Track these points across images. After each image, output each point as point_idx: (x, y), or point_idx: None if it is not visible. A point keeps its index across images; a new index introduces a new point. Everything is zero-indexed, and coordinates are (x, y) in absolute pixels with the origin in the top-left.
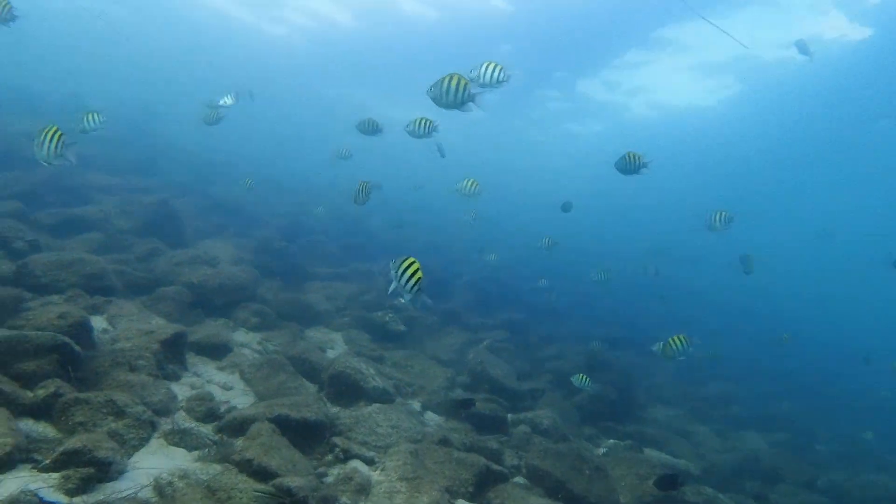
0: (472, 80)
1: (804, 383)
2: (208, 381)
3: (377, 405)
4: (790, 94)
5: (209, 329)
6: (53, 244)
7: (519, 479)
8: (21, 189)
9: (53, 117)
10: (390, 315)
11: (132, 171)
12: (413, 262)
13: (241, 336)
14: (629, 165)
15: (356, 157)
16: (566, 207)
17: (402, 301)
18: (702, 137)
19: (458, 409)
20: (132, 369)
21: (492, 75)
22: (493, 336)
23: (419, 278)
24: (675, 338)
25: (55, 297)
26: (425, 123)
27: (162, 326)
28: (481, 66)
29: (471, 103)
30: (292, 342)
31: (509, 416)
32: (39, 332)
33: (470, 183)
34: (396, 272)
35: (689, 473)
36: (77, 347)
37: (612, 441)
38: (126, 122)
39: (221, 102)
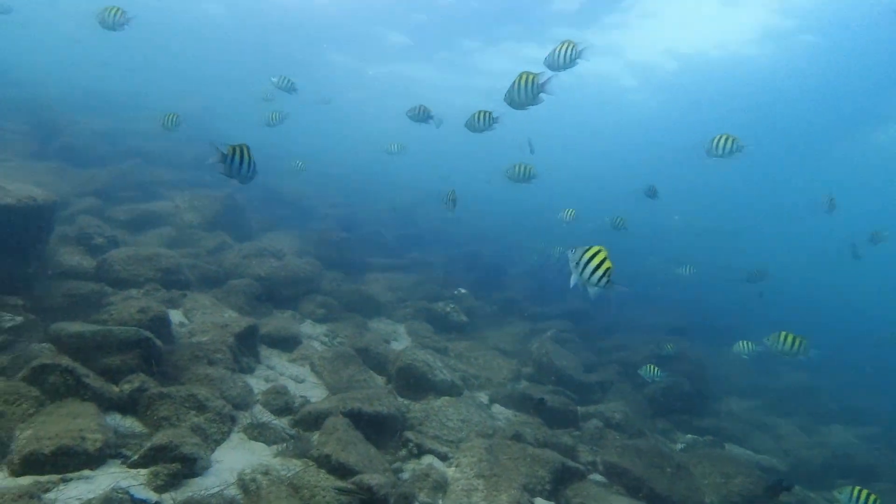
0: (546, 65)
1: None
2: (281, 374)
3: (446, 398)
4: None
5: (278, 321)
6: (129, 240)
7: (596, 477)
8: (96, 186)
9: (122, 115)
10: (452, 306)
11: (197, 167)
12: (598, 252)
13: (308, 328)
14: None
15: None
16: (650, 193)
17: (588, 291)
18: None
19: (529, 404)
20: (210, 363)
21: (566, 56)
22: (556, 326)
23: (608, 269)
24: (790, 336)
25: (134, 292)
26: (485, 116)
27: (235, 319)
28: (555, 49)
29: (542, 94)
30: (358, 334)
31: (579, 409)
32: (123, 328)
33: (521, 167)
34: (577, 263)
35: (775, 471)
36: (158, 342)
37: (689, 436)
38: (189, 120)
39: (274, 81)
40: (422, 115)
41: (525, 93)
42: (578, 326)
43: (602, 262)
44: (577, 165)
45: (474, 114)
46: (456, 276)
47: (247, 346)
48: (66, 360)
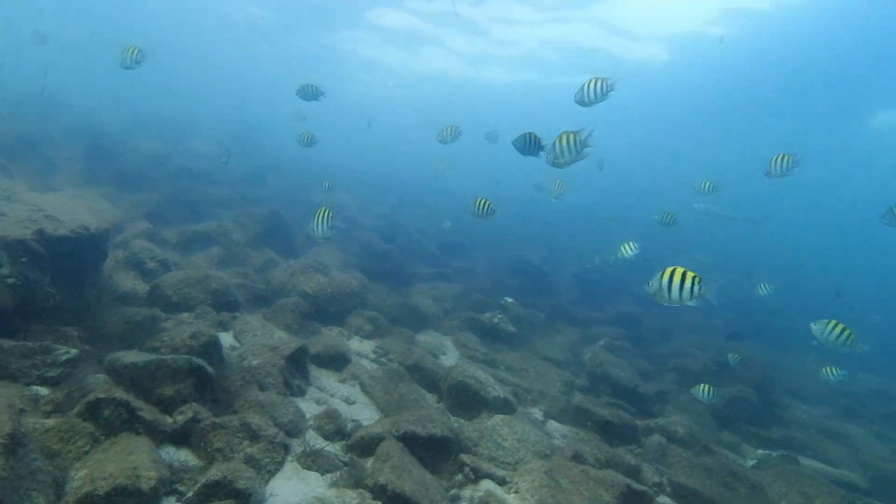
0: (577, 102)
1: None
2: (332, 396)
3: (500, 416)
4: None
5: (327, 340)
6: (180, 261)
7: (664, 500)
8: (148, 209)
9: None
10: (499, 316)
11: (243, 183)
12: (675, 272)
13: (356, 344)
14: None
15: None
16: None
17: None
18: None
19: (585, 418)
20: (261, 388)
21: (597, 91)
22: (607, 332)
23: (695, 277)
24: (839, 326)
25: (186, 315)
26: (532, 139)
27: (285, 341)
28: (584, 86)
29: (586, 149)
30: (407, 351)
31: (638, 422)
32: (176, 357)
33: (557, 184)
34: (662, 289)
35: (854, 486)
36: (210, 369)
37: (760, 451)
38: (232, 137)
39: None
40: (311, 93)
41: (569, 151)
42: (630, 332)
43: (683, 276)
44: (622, 161)
45: (522, 135)
46: (501, 284)
47: (297, 368)
48: (119, 393)
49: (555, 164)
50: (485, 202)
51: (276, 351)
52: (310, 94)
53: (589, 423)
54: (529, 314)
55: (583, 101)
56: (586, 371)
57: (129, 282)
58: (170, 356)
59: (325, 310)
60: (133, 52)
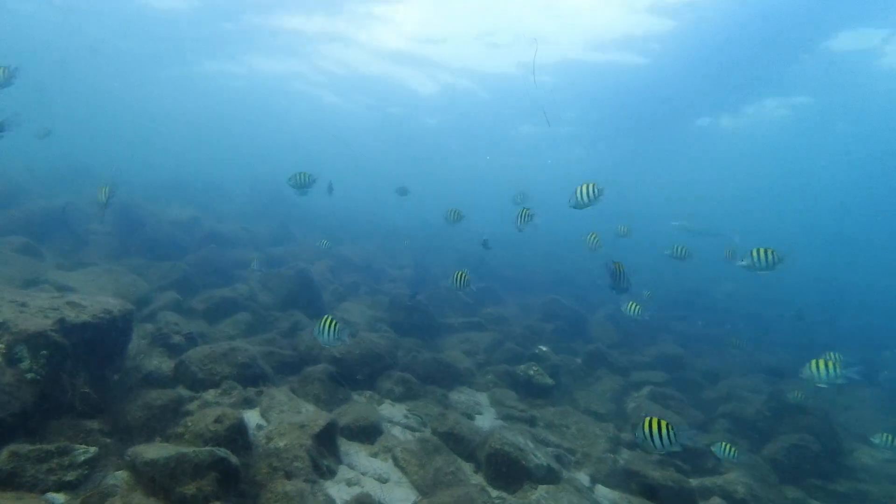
0: (572, 206)
1: None
2: (363, 474)
3: (544, 488)
4: None
5: (357, 410)
6: (207, 331)
7: None
8: (176, 277)
9: (201, 201)
10: (535, 368)
11: (269, 243)
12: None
13: (387, 409)
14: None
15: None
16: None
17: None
18: None
19: (635, 482)
20: (289, 476)
21: (590, 195)
22: (650, 378)
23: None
24: (822, 363)
25: (211, 392)
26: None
27: (312, 417)
28: (578, 189)
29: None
30: (441, 416)
31: (693, 481)
32: (197, 450)
33: (592, 237)
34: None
35: None
36: (234, 460)
37: None
38: (260, 195)
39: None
40: (303, 182)
41: (588, 197)
42: (674, 376)
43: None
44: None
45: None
46: (535, 330)
47: (326, 446)
48: (137, 498)
49: (576, 207)
50: (524, 211)
51: (303, 430)
52: (302, 182)
53: (640, 488)
54: (566, 361)
55: (578, 205)
56: (632, 425)
57: (155, 360)
58: (191, 450)
59: (353, 373)
60: (2, 71)
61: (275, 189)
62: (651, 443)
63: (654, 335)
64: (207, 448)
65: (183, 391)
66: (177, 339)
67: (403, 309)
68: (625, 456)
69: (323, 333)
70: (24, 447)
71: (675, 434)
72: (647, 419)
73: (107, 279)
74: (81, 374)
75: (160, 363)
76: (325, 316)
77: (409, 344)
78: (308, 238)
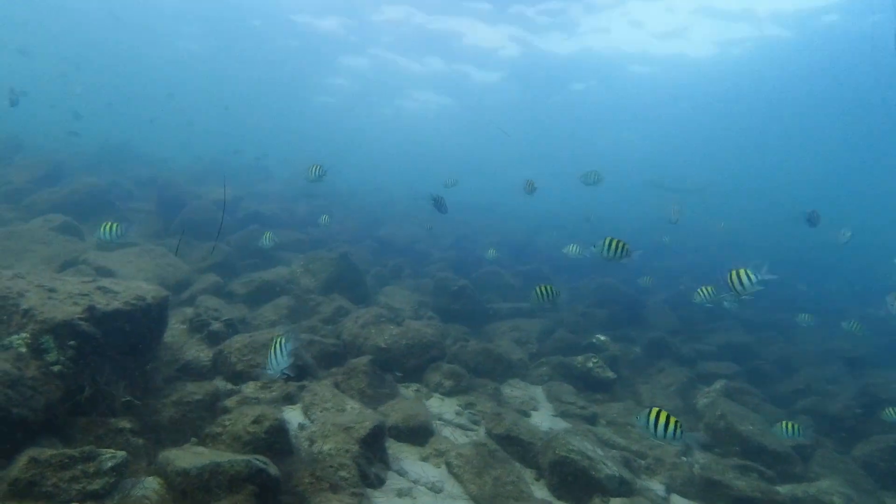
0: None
1: None
2: (415, 483)
3: (617, 501)
4: None
5: (406, 407)
6: (248, 315)
7: None
8: (217, 260)
9: (244, 180)
10: (593, 360)
11: (309, 223)
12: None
13: (436, 404)
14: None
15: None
16: (812, 220)
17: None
18: None
19: (716, 492)
20: (333, 489)
21: (616, 251)
22: (720, 370)
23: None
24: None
25: (251, 386)
26: (619, 246)
27: (358, 417)
28: (604, 243)
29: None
30: (497, 417)
31: (780, 489)
32: (233, 460)
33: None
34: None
35: None
36: (273, 471)
37: None
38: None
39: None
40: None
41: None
42: (743, 366)
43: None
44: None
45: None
46: (588, 316)
47: (373, 451)
48: None
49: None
50: (618, 244)
51: (349, 432)
52: (316, 176)
53: (723, 500)
54: (624, 351)
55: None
56: (705, 424)
57: (193, 349)
58: (226, 459)
59: (400, 364)
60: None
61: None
62: (653, 432)
63: (715, 321)
64: (244, 458)
65: (221, 383)
66: (216, 325)
67: (449, 294)
68: (699, 459)
69: (273, 361)
70: (46, 452)
71: (680, 431)
72: (655, 410)
73: (146, 260)
74: (112, 367)
75: (198, 352)
76: (274, 338)
77: (455, 331)
78: (348, 219)
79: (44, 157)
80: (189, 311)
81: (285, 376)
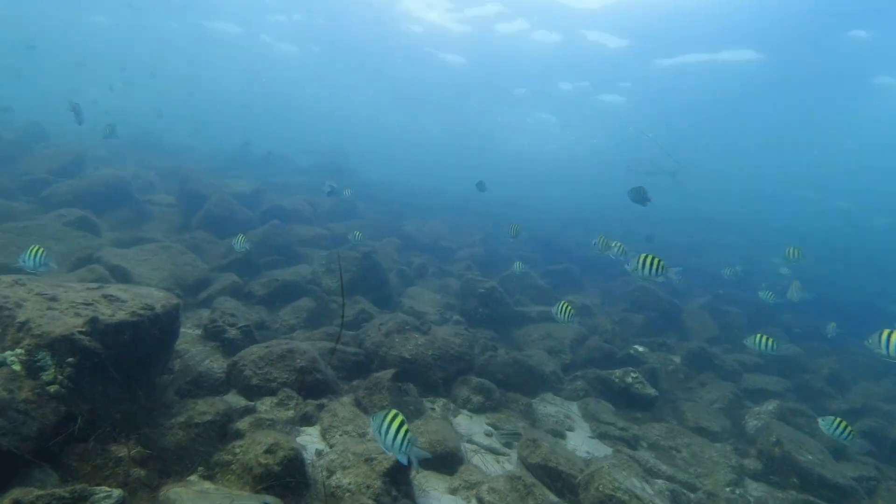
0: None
1: None
2: None
3: None
4: None
5: (433, 429)
6: (268, 319)
7: None
8: (236, 257)
9: (264, 171)
10: (633, 374)
11: (334, 218)
12: None
13: (464, 422)
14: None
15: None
16: (639, 197)
17: None
18: None
19: None
20: None
21: (652, 269)
22: (767, 385)
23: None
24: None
25: (266, 402)
26: (655, 263)
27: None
28: (639, 259)
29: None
30: (532, 444)
31: None
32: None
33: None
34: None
35: None
36: None
37: None
38: (322, 170)
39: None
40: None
41: (651, 272)
42: (792, 382)
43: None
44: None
45: (640, 259)
46: (624, 323)
47: (397, 484)
48: None
49: (639, 277)
50: (653, 261)
51: (371, 465)
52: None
53: None
54: (663, 361)
55: (644, 277)
56: (758, 450)
57: (207, 359)
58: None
59: (425, 376)
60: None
61: (337, 160)
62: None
63: (757, 328)
64: (252, 501)
65: (234, 398)
66: (232, 332)
67: (476, 297)
68: (753, 491)
69: (385, 437)
70: (32, 492)
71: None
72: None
73: (163, 258)
74: (115, 385)
75: (212, 362)
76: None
77: (483, 337)
78: (370, 212)
79: (66, 147)
80: (205, 314)
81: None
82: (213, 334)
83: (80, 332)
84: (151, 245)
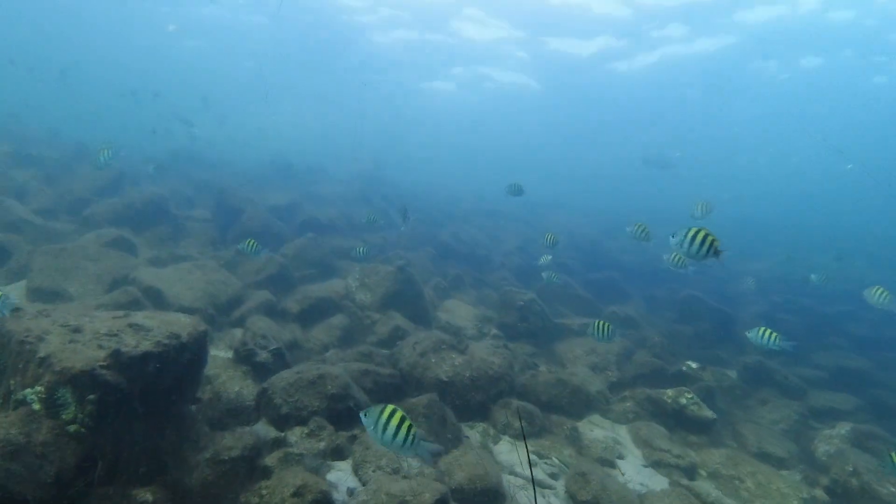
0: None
1: None
2: None
3: None
4: None
5: (472, 463)
6: (300, 339)
7: None
8: (270, 273)
9: (300, 181)
10: (687, 395)
11: (368, 228)
12: None
13: (505, 450)
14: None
15: None
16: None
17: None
18: None
19: None
20: None
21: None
22: (836, 405)
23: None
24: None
25: (297, 432)
26: (705, 240)
27: (417, 489)
28: (686, 234)
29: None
30: (582, 480)
31: None
32: None
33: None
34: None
35: None
36: None
37: None
38: (362, 180)
39: None
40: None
41: (700, 250)
42: (861, 398)
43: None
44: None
45: (687, 233)
46: (673, 335)
47: None
48: None
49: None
50: (705, 237)
51: None
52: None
53: None
54: (718, 378)
55: (689, 254)
56: (833, 480)
57: (237, 384)
58: None
59: (463, 399)
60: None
61: (374, 172)
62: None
63: (818, 339)
64: None
65: (264, 428)
66: (263, 356)
67: (515, 310)
68: None
69: (384, 435)
70: None
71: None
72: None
73: (197, 277)
74: (140, 420)
75: (242, 388)
76: (389, 410)
77: (523, 353)
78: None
79: (108, 166)
80: (238, 334)
81: None
82: (243, 357)
83: (102, 367)
84: (186, 264)
